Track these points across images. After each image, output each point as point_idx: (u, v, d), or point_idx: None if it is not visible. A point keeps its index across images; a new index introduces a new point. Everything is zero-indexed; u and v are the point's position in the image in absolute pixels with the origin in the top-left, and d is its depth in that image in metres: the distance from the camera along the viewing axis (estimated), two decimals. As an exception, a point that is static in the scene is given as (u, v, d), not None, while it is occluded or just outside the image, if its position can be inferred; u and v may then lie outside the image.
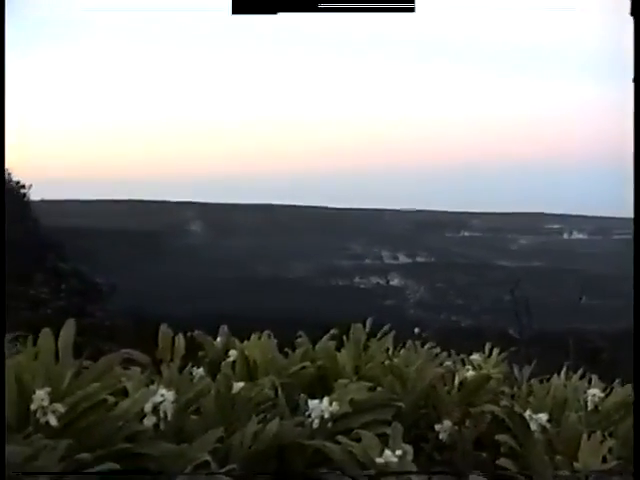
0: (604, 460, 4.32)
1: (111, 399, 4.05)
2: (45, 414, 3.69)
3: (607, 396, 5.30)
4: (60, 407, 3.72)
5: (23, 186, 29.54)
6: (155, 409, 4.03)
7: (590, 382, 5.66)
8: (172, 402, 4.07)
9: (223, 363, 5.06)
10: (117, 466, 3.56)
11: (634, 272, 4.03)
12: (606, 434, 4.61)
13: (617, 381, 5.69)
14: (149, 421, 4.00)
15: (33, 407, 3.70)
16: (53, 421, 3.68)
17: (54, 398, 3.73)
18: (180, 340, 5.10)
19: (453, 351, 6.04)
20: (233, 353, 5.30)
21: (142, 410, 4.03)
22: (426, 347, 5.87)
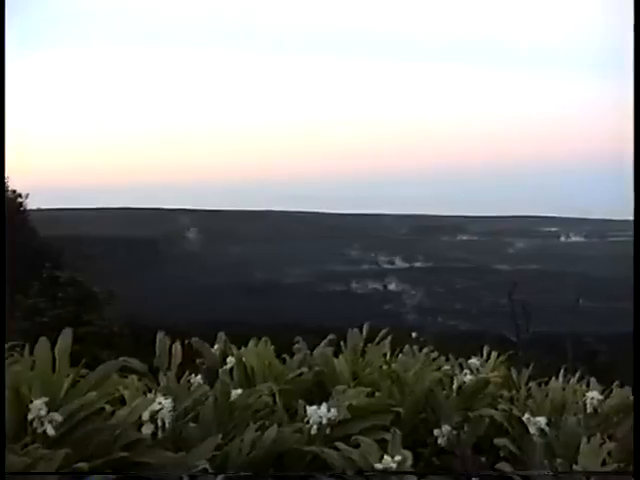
0: (604, 463, 4.31)
1: (108, 408, 4.04)
2: (42, 424, 3.67)
3: (606, 399, 5.28)
4: (57, 416, 3.70)
5: (20, 194, 29.50)
6: (153, 417, 4.02)
7: (589, 385, 5.65)
8: (170, 410, 4.05)
9: (220, 370, 5.06)
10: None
11: (634, 272, 4.02)
12: (605, 437, 4.59)
13: (616, 383, 5.68)
14: (147, 429, 3.99)
15: (30, 417, 3.68)
16: (50, 431, 3.66)
17: (51, 407, 3.71)
18: (177, 348, 5.09)
19: (451, 355, 6.03)
20: (231, 360, 5.29)
21: (140, 418, 4.01)
22: (424, 351, 5.85)
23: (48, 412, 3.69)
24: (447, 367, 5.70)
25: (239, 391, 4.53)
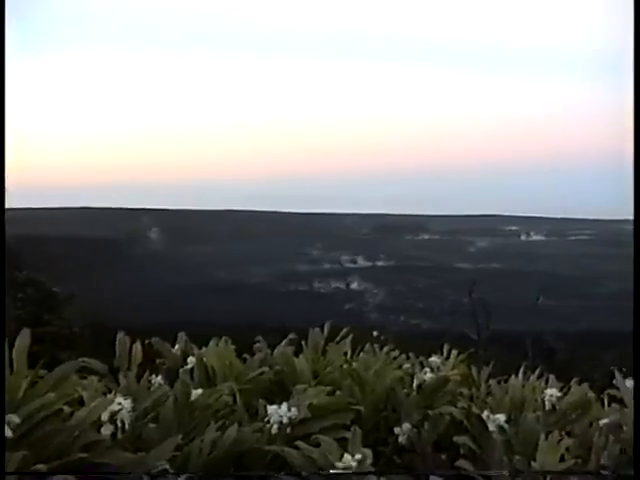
0: (562, 459, 4.35)
1: (67, 409, 4.01)
2: (0, 425, 3.63)
3: (564, 395, 5.33)
4: (15, 418, 3.66)
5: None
6: (112, 418, 4.00)
7: (547, 382, 5.70)
8: (129, 410, 4.03)
9: (181, 370, 5.04)
10: (72, 478, 3.52)
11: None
12: (563, 433, 4.64)
13: (574, 380, 5.74)
14: (106, 430, 3.96)
15: (-13, 418, 3.64)
16: (8, 432, 3.62)
17: (9, 409, 3.68)
18: (137, 348, 5.06)
19: (412, 354, 6.06)
20: (191, 360, 5.27)
21: (99, 419, 3.99)
22: (385, 350, 5.88)
23: (5, 413, 3.65)
24: (408, 365, 5.73)
25: (199, 391, 4.52)
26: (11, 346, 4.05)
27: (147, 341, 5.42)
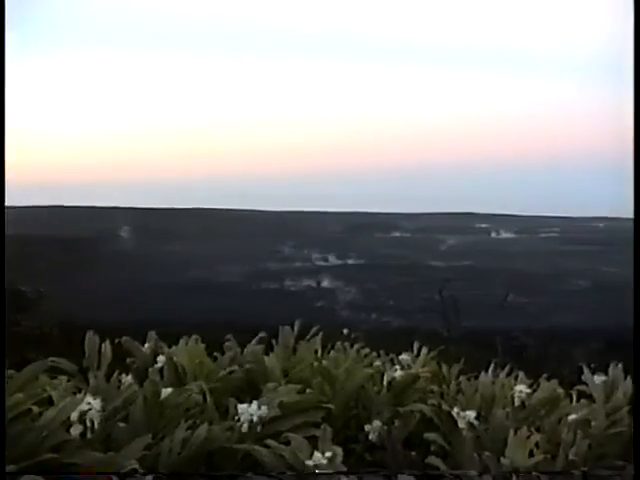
0: (531, 455, 4.38)
1: (36, 409, 3.98)
2: (-33, 426, 3.61)
3: (533, 392, 5.37)
4: (-17, 418, 3.64)
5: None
6: (82, 418, 3.97)
7: (517, 379, 5.74)
8: (99, 410, 4.01)
9: (150, 369, 5.01)
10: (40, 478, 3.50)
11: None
12: (533, 429, 4.67)
13: (543, 377, 5.78)
14: (76, 430, 3.94)
15: (-46, 419, 3.62)
16: (-25, 433, 3.60)
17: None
18: (107, 347, 5.04)
19: (382, 351, 6.07)
20: (161, 359, 5.25)
21: (69, 419, 3.96)
22: (355, 348, 5.89)
23: (-27, 414, 3.63)
24: (378, 363, 5.74)
25: (169, 390, 4.50)
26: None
27: (117, 340, 5.40)
